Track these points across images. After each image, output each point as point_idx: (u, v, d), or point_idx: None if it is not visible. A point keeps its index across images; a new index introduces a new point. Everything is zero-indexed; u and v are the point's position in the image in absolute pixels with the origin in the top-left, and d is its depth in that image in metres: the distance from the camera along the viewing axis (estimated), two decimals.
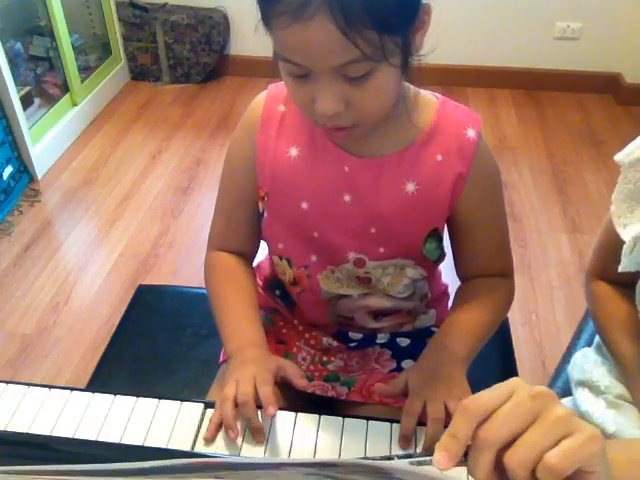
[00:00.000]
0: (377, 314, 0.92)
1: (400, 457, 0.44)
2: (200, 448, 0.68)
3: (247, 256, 0.92)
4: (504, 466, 0.40)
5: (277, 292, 0.96)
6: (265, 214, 0.85)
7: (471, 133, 0.77)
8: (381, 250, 0.82)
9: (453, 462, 0.41)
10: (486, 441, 0.40)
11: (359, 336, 0.95)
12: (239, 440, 0.69)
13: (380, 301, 0.90)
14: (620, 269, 0.75)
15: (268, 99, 0.82)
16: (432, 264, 0.88)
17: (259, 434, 0.69)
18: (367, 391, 0.90)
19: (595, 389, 0.87)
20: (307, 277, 0.88)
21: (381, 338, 0.96)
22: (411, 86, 0.77)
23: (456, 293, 0.91)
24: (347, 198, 0.79)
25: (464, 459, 0.42)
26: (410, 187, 0.78)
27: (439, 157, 0.77)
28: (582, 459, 0.39)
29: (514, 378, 0.44)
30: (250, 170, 0.83)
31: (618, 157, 0.78)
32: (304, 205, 0.81)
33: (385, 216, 0.79)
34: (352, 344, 0.96)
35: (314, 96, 0.66)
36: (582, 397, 0.88)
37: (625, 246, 0.74)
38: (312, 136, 0.79)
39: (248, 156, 0.83)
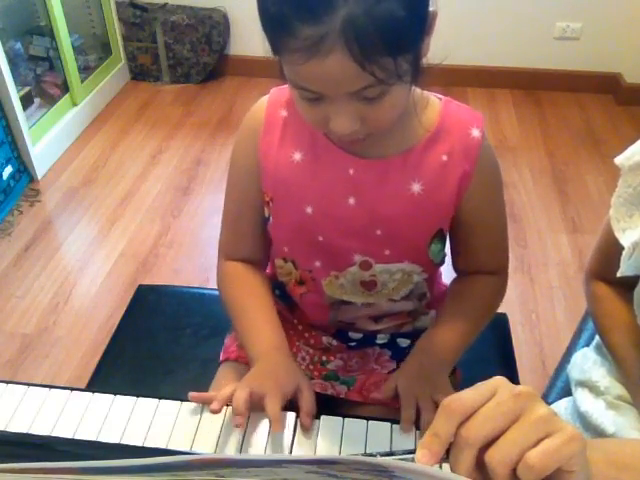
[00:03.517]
0: (377, 317, 0.93)
1: (382, 455, 0.44)
2: (199, 448, 0.68)
3: (257, 263, 0.92)
4: (485, 464, 0.40)
5: (277, 292, 0.97)
6: (270, 219, 0.85)
7: (475, 133, 0.78)
8: (387, 252, 0.82)
9: (435, 460, 0.41)
10: (467, 440, 0.41)
11: (359, 336, 0.95)
12: (240, 438, 0.69)
13: (384, 306, 0.90)
14: (619, 274, 0.75)
15: (270, 104, 0.81)
16: (434, 266, 0.88)
17: (238, 421, 0.68)
18: (367, 391, 0.90)
19: (595, 389, 0.87)
20: (312, 280, 0.88)
21: (381, 338, 0.96)
22: (415, 88, 0.77)
23: (450, 288, 0.92)
24: (352, 201, 0.79)
25: (446, 457, 0.42)
26: (416, 188, 0.78)
27: (444, 157, 0.77)
28: (562, 459, 0.40)
29: (496, 377, 0.44)
30: (254, 176, 0.83)
31: (618, 160, 0.77)
32: (308, 209, 0.80)
33: (391, 217, 0.79)
34: (352, 343, 0.96)
35: (329, 116, 0.66)
36: (582, 397, 0.88)
37: (624, 252, 0.74)
38: (315, 140, 0.79)
39: (251, 162, 0.83)
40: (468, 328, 0.84)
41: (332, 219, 0.80)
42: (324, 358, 0.95)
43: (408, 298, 0.90)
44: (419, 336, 0.88)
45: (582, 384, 0.90)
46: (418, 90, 0.77)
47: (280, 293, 0.96)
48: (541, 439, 0.40)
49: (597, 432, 0.83)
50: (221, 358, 0.98)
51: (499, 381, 0.43)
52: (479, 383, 0.44)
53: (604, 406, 0.84)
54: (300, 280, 0.89)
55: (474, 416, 0.41)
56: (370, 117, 0.66)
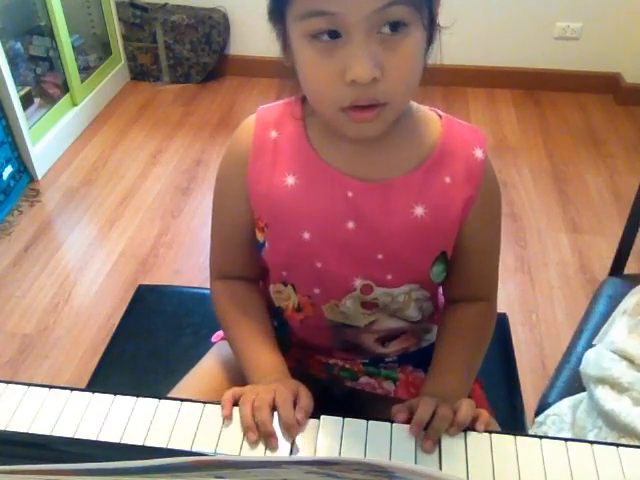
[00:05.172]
0: (384, 339, 0.89)
1: None
2: (200, 448, 0.68)
3: (250, 279, 0.89)
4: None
5: (275, 323, 0.91)
6: (266, 245, 0.81)
7: (479, 154, 0.75)
8: (389, 277, 0.79)
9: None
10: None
11: (366, 360, 0.92)
12: (240, 439, 0.69)
13: (388, 323, 0.86)
14: None
15: (258, 125, 0.77)
16: (435, 286, 0.85)
17: (271, 438, 0.67)
18: (413, 387, 0.88)
19: (617, 386, 0.84)
20: (311, 305, 0.84)
21: (389, 360, 0.92)
22: (414, 103, 0.75)
23: (443, 323, 0.87)
24: (351, 225, 0.75)
25: None
26: (419, 211, 0.74)
27: (448, 179, 0.74)
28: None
29: None
30: (242, 202, 0.79)
31: None
32: (306, 235, 0.76)
33: (393, 242, 0.76)
34: (363, 362, 0.92)
35: (346, 65, 0.61)
36: (604, 395, 0.85)
37: None
38: (310, 162, 0.75)
39: (239, 188, 0.78)
40: (469, 370, 0.81)
41: (331, 244, 0.76)
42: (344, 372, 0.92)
43: (419, 320, 0.88)
44: (425, 354, 0.86)
45: (602, 381, 0.87)
46: (416, 105, 0.76)
47: (278, 324, 0.91)
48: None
49: (626, 431, 0.80)
50: (215, 339, 0.97)
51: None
52: None
53: (630, 403, 0.81)
54: (298, 306, 0.85)
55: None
56: (390, 67, 0.62)
